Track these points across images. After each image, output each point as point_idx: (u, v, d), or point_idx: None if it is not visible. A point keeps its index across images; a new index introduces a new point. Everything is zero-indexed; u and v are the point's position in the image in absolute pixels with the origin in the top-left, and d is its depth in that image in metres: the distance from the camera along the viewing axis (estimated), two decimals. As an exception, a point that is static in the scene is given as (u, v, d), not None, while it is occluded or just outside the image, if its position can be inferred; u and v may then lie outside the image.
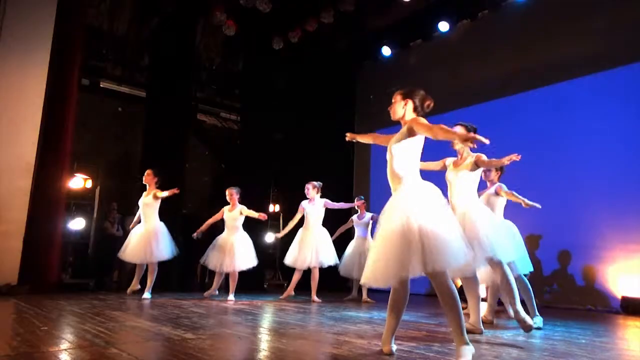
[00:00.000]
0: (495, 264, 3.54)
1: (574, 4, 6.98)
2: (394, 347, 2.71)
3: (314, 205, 6.38)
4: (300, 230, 6.49)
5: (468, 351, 2.45)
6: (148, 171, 6.26)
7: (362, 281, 2.70)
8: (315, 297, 6.21)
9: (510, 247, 3.70)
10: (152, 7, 8.78)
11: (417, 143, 2.80)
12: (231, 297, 6.08)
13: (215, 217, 6.53)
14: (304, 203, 6.46)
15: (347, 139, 3.43)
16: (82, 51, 7.09)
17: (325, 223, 6.52)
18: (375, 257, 2.62)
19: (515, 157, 3.60)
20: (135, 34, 9.67)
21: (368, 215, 6.89)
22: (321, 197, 6.42)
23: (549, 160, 6.76)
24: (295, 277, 6.49)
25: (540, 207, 4.50)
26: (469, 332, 3.29)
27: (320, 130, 9.33)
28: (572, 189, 6.36)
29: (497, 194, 4.42)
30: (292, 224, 6.49)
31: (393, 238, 2.53)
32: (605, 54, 6.47)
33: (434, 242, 2.45)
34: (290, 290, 6.50)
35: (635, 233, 5.86)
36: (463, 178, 3.70)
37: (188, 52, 8.66)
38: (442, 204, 2.65)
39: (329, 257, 6.28)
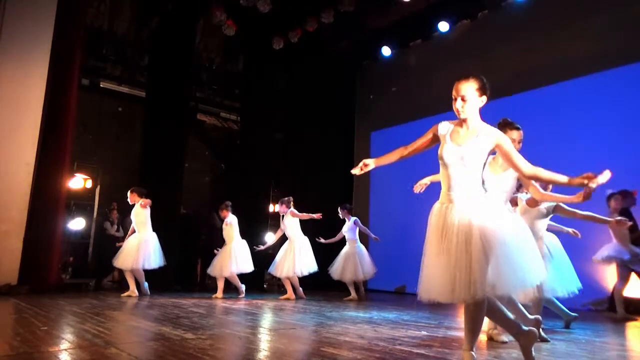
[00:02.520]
0: None
1: (574, 4, 6.98)
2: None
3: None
4: (286, 242, 6.80)
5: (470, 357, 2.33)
6: (130, 191, 6.47)
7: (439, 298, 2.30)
8: (301, 292, 6.56)
9: (542, 271, 3.20)
10: (152, 7, 8.78)
11: (490, 154, 2.49)
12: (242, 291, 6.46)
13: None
14: (282, 220, 6.79)
15: (357, 172, 2.64)
16: (82, 51, 7.09)
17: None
18: (443, 272, 2.29)
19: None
20: (135, 34, 9.67)
21: (352, 219, 7.01)
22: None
23: (548, 160, 6.69)
24: (288, 284, 6.64)
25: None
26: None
27: (320, 130, 9.34)
28: (572, 189, 6.34)
29: (555, 211, 3.97)
30: (274, 239, 7.09)
31: (460, 259, 2.24)
32: (606, 54, 6.46)
33: (501, 265, 2.24)
34: (291, 294, 6.58)
35: (636, 233, 5.85)
36: (501, 182, 3.20)
37: (188, 52, 8.67)
38: (511, 218, 2.43)
39: (309, 265, 6.50)
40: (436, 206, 2.45)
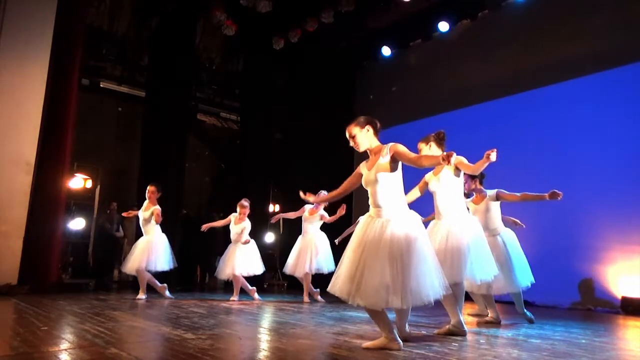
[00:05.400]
0: (462, 281, 3.46)
1: (574, 4, 6.97)
2: (401, 343, 2.82)
3: (314, 214, 6.29)
4: (300, 238, 6.41)
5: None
6: (151, 188, 6.05)
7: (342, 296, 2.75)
8: (306, 298, 6.18)
9: (489, 266, 3.54)
10: (152, 7, 8.78)
11: (400, 169, 2.92)
12: (235, 297, 6.09)
13: (223, 222, 6.48)
14: (307, 207, 6.34)
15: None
16: (82, 51, 7.09)
17: (324, 228, 6.47)
18: (356, 277, 2.71)
19: (491, 152, 3.39)
20: (135, 34, 9.67)
21: None
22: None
23: (548, 160, 6.76)
24: (306, 284, 6.29)
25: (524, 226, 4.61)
26: (452, 334, 3.32)
27: (320, 130, 9.34)
28: (572, 189, 6.33)
29: (498, 198, 4.24)
30: (290, 215, 6.58)
31: (377, 267, 2.67)
32: (606, 54, 6.46)
33: (412, 282, 2.65)
34: (316, 295, 6.35)
35: (635, 234, 5.86)
36: (446, 183, 3.52)
37: (188, 52, 8.66)
38: (424, 237, 2.84)
39: (327, 264, 6.13)
40: (364, 217, 2.95)
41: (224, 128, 11.33)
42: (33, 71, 6.36)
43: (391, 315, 2.90)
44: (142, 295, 5.83)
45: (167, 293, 6.12)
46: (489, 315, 4.32)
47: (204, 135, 11.12)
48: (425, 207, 3.49)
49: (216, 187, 10.89)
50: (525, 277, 4.18)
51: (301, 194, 3.49)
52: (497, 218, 4.29)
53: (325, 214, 6.30)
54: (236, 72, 10.95)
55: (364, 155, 3.10)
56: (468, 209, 4.28)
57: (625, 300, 5.73)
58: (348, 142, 3.09)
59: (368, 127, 2.99)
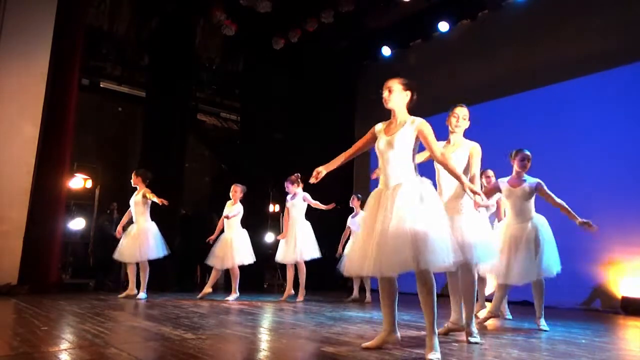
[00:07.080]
0: (471, 265, 3.24)
1: (574, 4, 6.98)
2: (399, 335, 2.87)
3: (294, 199, 6.24)
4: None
5: (436, 343, 2.60)
6: (133, 173, 6.17)
7: (364, 273, 2.77)
8: (301, 296, 6.11)
9: (493, 250, 3.40)
10: (152, 7, 8.78)
11: (418, 141, 2.84)
12: (233, 296, 6.08)
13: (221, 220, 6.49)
14: (287, 199, 6.35)
15: (313, 181, 3.09)
16: (82, 51, 7.08)
17: (315, 218, 6.42)
18: (367, 251, 2.65)
19: (477, 205, 3.23)
20: (135, 34, 9.67)
21: (362, 213, 6.77)
22: (303, 190, 6.26)
23: (548, 160, 6.74)
24: (290, 274, 6.37)
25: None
26: (452, 331, 3.33)
27: (320, 130, 9.34)
28: (572, 189, 6.33)
29: (535, 190, 4.14)
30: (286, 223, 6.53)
31: (389, 235, 2.56)
32: (606, 54, 6.47)
33: (424, 243, 2.52)
34: (290, 289, 6.36)
35: (636, 234, 5.86)
36: (456, 164, 3.28)
37: (188, 52, 8.66)
38: (437, 202, 2.71)
39: (310, 251, 6.10)
40: (375, 190, 2.84)
41: (224, 128, 11.32)
42: (33, 71, 6.35)
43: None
44: (142, 295, 5.82)
45: (144, 294, 5.90)
46: (491, 308, 4.21)
47: (204, 135, 11.12)
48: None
49: (216, 187, 10.88)
50: (553, 264, 4.15)
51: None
52: (530, 207, 4.19)
53: (307, 195, 6.20)
54: (236, 72, 10.94)
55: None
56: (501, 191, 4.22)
57: (626, 300, 5.73)
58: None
59: (409, 92, 2.86)
